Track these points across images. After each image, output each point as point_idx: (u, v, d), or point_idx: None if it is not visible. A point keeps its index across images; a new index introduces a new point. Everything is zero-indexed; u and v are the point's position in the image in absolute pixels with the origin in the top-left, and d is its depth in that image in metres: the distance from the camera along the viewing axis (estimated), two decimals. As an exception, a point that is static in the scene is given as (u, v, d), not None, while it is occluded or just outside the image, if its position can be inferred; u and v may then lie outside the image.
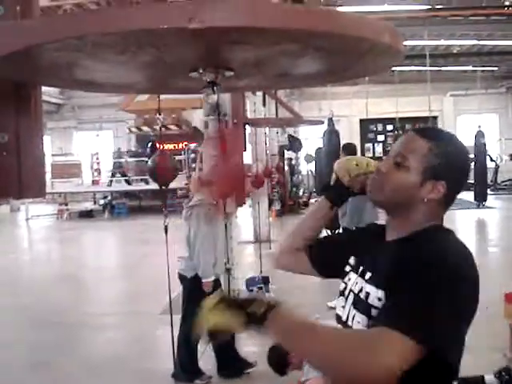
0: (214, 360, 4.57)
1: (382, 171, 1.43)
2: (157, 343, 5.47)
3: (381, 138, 22.91)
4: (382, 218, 1.57)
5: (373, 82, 17.50)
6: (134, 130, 16.41)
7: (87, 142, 23.19)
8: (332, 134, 10.80)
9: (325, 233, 2.46)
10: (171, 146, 16.36)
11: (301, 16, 1.22)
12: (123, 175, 19.63)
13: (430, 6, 12.80)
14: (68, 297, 7.41)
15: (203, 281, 4.26)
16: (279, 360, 3.48)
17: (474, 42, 16.46)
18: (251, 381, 4.48)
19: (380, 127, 22.80)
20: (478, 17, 13.34)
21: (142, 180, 18.69)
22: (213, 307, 1.30)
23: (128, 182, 19.40)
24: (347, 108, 20.71)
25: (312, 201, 17.21)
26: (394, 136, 20.28)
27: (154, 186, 4.93)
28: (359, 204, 5.50)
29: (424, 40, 13.70)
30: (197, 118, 13.28)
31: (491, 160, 18.73)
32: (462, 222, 12.77)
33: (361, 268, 1.48)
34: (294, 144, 15.55)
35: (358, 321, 1.39)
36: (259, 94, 10.32)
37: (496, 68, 20.43)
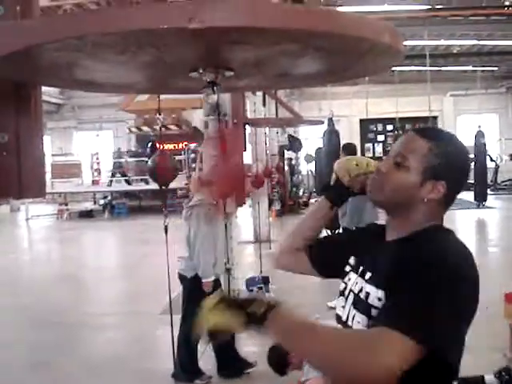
0: (214, 360, 4.57)
1: (382, 171, 1.43)
2: (157, 343, 5.47)
3: (381, 138, 22.91)
4: (382, 218, 1.57)
5: (373, 82, 17.50)
6: (133, 130, 16.41)
7: (87, 142, 23.19)
8: (332, 134, 10.80)
9: (325, 233, 2.45)
10: (171, 146, 16.37)
11: (301, 16, 1.22)
12: (123, 175, 19.63)
13: (429, 6, 12.81)
14: (68, 297, 7.41)
15: (203, 281, 4.26)
16: (279, 360, 3.48)
17: (474, 42, 16.46)
18: (251, 381, 4.48)
19: (380, 127, 22.80)
20: (477, 17, 13.34)
21: (141, 180, 18.69)
22: (213, 307, 1.31)
23: (128, 182, 19.40)
24: (347, 108, 20.71)
25: (312, 201, 17.21)
26: (394, 136, 20.28)
27: (154, 186, 4.93)
28: (359, 204, 5.50)
29: (424, 40, 13.70)
30: (197, 118, 13.28)
31: (491, 160, 18.73)
32: (462, 221, 12.77)
33: (361, 268, 1.48)
34: (294, 144, 15.57)
35: (358, 321, 1.39)
36: (259, 93, 10.32)
37: (496, 68, 20.43)
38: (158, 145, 12.57)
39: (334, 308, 1.55)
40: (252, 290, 5.85)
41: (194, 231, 4.31)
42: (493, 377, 3.79)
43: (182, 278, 4.43)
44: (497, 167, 20.10)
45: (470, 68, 19.74)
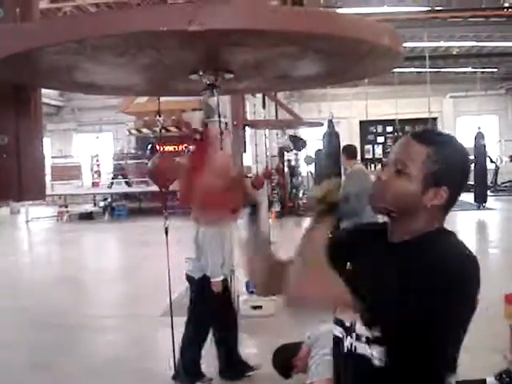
0: (215, 362, 4.57)
1: (382, 179, 1.42)
2: (157, 345, 5.47)
3: (380, 139, 22.92)
4: (381, 218, 1.56)
5: (372, 84, 17.51)
6: (133, 132, 16.41)
7: (87, 144, 23.20)
8: (332, 136, 10.82)
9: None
10: (171, 148, 16.37)
11: (300, 18, 1.22)
12: (124, 177, 19.63)
13: (429, 8, 12.83)
14: (68, 299, 7.41)
15: (212, 280, 4.27)
16: (284, 363, 3.49)
17: (474, 43, 16.48)
18: (252, 383, 4.48)
19: (380, 129, 22.81)
20: (477, 18, 13.35)
21: (142, 182, 18.68)
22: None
23: (128, 184, 19.40)
24: (347, 110, 20.72)
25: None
26: (394, 138, 20.27)
27: (154, 187, 4.93)
28: (358, 206, 5.49)
29: (423, 41, 13.72)
30: (197, 119, 13.28)
31: (491, 161, 18.73)
32: (463, 223, 12.76)
33: (361, 269, 1.47)
34: (298, 143, 15.53)
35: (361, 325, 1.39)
36: (259, 95, 10.31)
37: (495, 69, 20.44)
38: (157, 147, 12.57)
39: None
40: (252, 292, 5.85)
41: (202, 232, 4.31)
42: (493, 379, 3.80)
43: (189, 279, 4.44)
44: (497, 168, 20.11)
45: (469, 69, 19.75)
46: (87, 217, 17.77)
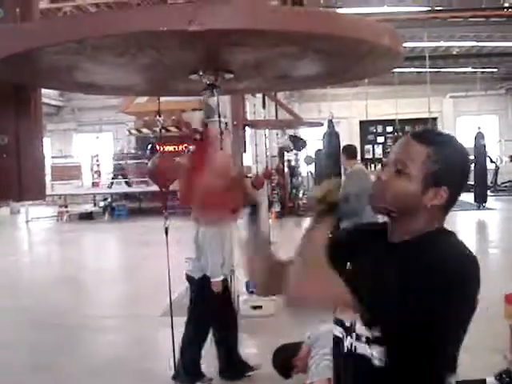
0: (215, 362, 4.57)
1: (382, 179, 1.42)
2: (157, 345, 5.47)
3: (380, 139, 22.92)
4: (381, 218, 1.57)
5: (372, 84, 17.51)
6: (133, 131, 16.41)
7: (87, 144, 23.20)
8: (332, 136, 10.82)
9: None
10: (171, 148, 16.37)
11: (300, 18, 1.22)
12: (124, 177, 19.63)
13: (429, 8, 12.83)
14: (68, 299, 7.41)
15: (212, 280, 4.27)
16: (284, 363, 3.49)
17: (474, 43, 16.48)
18: (252, 383, 4.48)
19: (380, 129, 22.81)
20: (477, 18, 13.35)
21: (142, 182, 18.68)
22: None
23: (128, 184, 19.39)
24: (347, 110, 20.72)
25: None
26: (394, 138, 20.28)
27: (154, 187, 4.93)
28: (358, 206, 5.49)
29: (424, 41, 13.72)
30: (197, 119, 13.29)
31: (491, 161, 18.74)
32: (463, 223, 12.76)
33: (361, 269, 1.47)
34: (298, 143, 15.53)
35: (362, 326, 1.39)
36: (259, 95, 10.31)
37: (495, 69, 20.44)
38: (157, 147, 12.57)
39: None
40: (252, 292, 5.85)
41: (202, 232, 4.31)
42: (493, 379, 3.80)
43: (189, 279, 4.44)
44: (497, 168, 20.11)
45: (469, 69, 19.76)
46: (87, 217, 17.78)
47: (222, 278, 4.34)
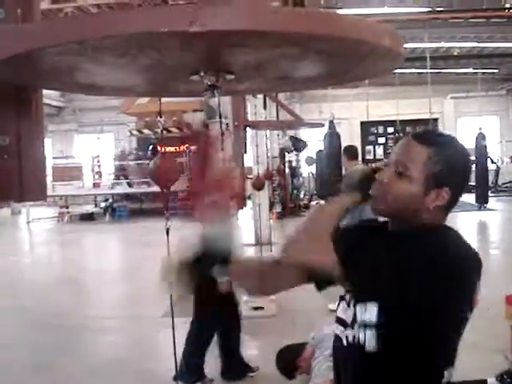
0: (217, 363, 4.56)
1: (383, 181, 1.42)
2: (158, 346, 5.47)
3: (382, 140, 22.91)
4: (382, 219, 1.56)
5: (373, 85, 17.51)
6: (135, 132, 16.42)
7: (88, 145, 23.21)
8: (333, 137, 10.82)
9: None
10: (172, 149, 16.39)
11: (301, 19, 1.23)
12: (125, 178, 19.64)
13: (430, 9, 12.82)
14: (69, 299, 7.40)
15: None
16: (287, 364, 3.49)
17: (475, 44, 16.46)
18: (254, 384, 4.48)
19: (381, 129, 22.81)
20: (478, 19, 13.35)
21: (143, 183, 18.68)
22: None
23: (129, 185, 19.40)
24: (348, 110, 20.71)
25: (313, 203, 17.20)
26: (395, 138, 20.29)
27: (155, 188, 4.93)
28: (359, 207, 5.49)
29: (424, 42, 13.71)
30: (198, 120, 13.30)
31: (492, 162, 18.72)
32: (464, 224, 12.74)
33: (361, 265, 1.47)
34: (298, 144, 15.55)
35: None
36: (260, 96, 10.33)
37: (496, 70, 20.44)
38: (159, 147, 12.58)
39: (335, 311, 1.54)
40: (253, 293, 5.84)
41: None
42: (494, 380, 3.79)
43: None
44: (498, 169, 20.09)
45: (470, 70, 19.74)
46: (88, 218, 17.77)
47: (225, 278, 4.32)
